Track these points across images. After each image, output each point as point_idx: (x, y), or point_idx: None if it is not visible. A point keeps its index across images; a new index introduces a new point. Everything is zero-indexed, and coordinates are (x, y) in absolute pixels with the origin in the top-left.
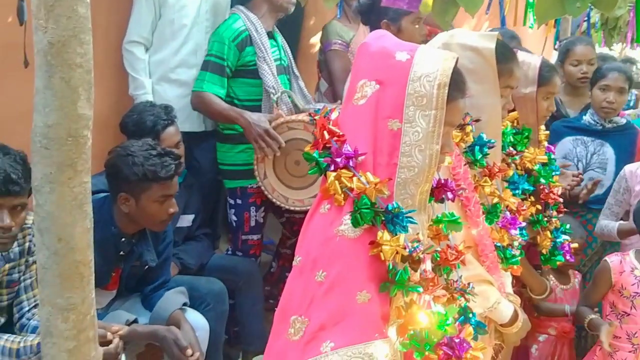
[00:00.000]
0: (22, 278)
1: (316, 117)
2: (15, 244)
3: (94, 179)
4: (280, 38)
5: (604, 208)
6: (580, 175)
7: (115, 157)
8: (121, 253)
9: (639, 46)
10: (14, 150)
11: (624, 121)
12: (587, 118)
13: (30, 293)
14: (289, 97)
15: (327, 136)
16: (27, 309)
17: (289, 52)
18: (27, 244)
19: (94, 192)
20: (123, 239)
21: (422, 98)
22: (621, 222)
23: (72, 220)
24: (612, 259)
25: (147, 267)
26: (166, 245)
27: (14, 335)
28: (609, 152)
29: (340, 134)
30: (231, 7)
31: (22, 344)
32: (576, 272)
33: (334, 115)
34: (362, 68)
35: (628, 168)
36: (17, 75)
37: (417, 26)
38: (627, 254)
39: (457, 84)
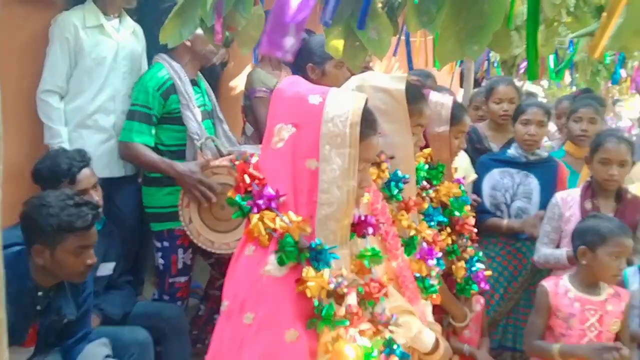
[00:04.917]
0: None
1: (236, 163)
2: None
3: (9, 231)
4: (204, 83)
5: (541, 236)
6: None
7: (30, 208)
8: (38, 308)
9: (544, 80)
10: None
11: (545, 154)
12: (511, 151)
13: None
14: (213, 142)
15: (248, 180)
16: None
17: (213, 96)
18: None
19: (8, 246)
20: (40, 293)
21: (336, 137)
22: (567, 249)
23: None
24: (547, 283)
25: (66, 320)
26: (86, 296)
27: None
28: (533, 182)
29: (261, 177)
30: (150, 53)
31: None
32: (479, 296)
33: (254, 160)
34: (278, 113)
35: (559, 195)
36: None
37: (340, 70)
38: (561, 277)
39: (368, 122)
